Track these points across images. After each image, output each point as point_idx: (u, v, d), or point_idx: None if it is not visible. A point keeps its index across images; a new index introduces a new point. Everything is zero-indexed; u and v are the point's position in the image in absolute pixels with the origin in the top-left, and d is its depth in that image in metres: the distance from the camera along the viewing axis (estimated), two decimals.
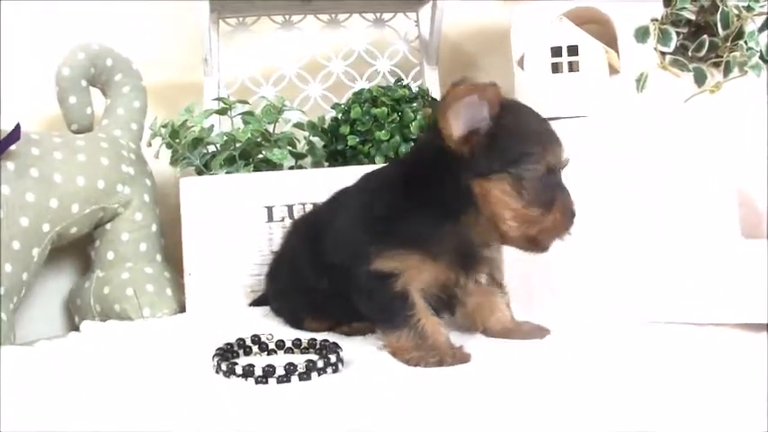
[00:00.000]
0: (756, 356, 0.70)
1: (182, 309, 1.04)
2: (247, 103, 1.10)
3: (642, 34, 1.02)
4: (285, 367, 0.68)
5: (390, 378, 0.69)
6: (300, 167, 1.15)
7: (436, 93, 1.26)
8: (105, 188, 1.02)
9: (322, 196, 1.04)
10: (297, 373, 0.69)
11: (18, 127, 0.93)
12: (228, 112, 1.09)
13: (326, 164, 1.16)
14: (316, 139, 1.17)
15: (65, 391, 0.69)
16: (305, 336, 0.81)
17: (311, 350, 0.79)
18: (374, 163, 1.09)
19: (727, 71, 0.99)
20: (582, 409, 0.58)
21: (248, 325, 0.92)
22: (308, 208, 1.04)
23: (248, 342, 0.80)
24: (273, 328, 0.90)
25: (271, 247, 1.03)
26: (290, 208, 1.04)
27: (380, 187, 0.79)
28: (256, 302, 1.02)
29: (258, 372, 0.68)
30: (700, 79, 1.00)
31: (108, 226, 1.05)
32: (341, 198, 0.87)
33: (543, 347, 0.78)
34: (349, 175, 1.03)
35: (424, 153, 0.75)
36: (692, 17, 0.99)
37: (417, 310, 0.74)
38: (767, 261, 0.86)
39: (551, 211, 0.71)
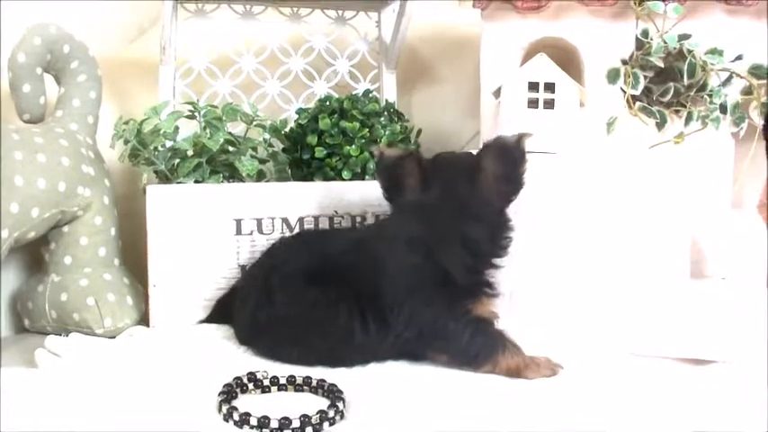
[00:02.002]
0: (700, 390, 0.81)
1: (142, 318, 1.01)
2: (215, 107, 1.06)
3: (613, 76, 1.06)
4: (300, 419, 0.70)
5: (399, 420, 0.73)
6: (261, 172, 1.12)
7: (393, 99, 1.26)
8: (66, 191, 0.96)
9: (291, 210, 1.03)
10: (311, 424, 0.70)
11: None
12: (197, 116, 1.04)
13: (289, 170, 1.14)
14: (275, 141, 1.15)
15: None
16: (298, 372, 0.82)
17: (306, 388, 0.81)
18: (341, 177, 1.09)
19: (688, 120, 1.04)
20: None
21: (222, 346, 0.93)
22: (277, 223, 1.03)
23: (245, 380, 0.80)
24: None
25: (238, 261, 1.02)
26: (259, 222, 1.02)
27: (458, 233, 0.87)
28: (207, 320, 1.01)
29: (274, 424, 0.69)
30: (661, 123, 1.05)
31: (65, 228, 0.99)
32: (380, 250, 0.89)
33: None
34: (319, 192, 1.04)
35: (475, 199, 0.88)
36: (661, 65, 1.04)
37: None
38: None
39: None
